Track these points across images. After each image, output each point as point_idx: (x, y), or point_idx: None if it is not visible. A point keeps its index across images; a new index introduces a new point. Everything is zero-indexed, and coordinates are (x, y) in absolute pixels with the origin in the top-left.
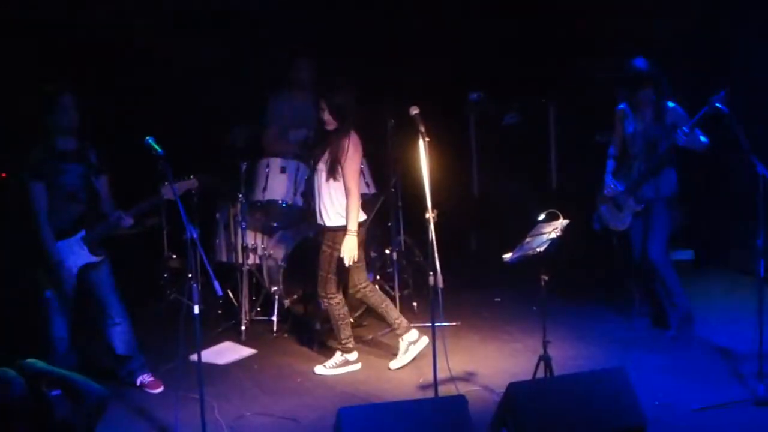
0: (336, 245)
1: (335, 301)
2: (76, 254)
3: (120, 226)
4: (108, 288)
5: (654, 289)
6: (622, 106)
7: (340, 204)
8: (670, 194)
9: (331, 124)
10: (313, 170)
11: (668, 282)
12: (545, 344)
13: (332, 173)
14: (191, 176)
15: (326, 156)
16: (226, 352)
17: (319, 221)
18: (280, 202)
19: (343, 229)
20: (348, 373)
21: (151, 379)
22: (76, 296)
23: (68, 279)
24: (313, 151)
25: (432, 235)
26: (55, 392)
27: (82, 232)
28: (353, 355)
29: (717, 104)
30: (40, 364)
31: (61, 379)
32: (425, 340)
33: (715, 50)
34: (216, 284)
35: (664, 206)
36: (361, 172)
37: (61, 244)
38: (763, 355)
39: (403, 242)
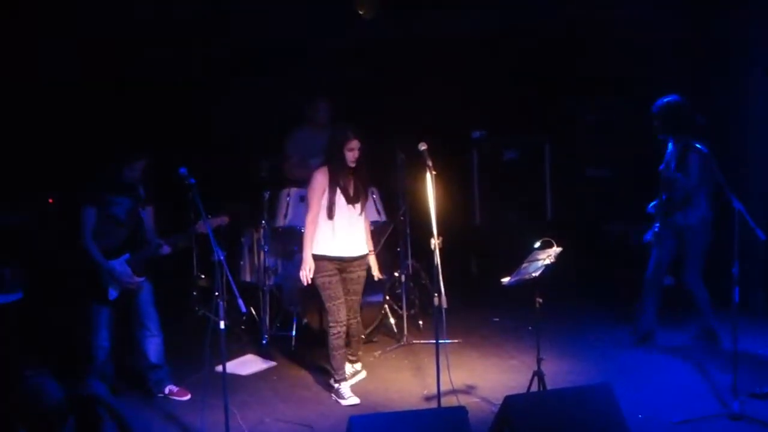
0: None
1: (358, 320)
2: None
3: (159, 253)
4: (149, 304)
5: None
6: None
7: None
8: (696, 222)
9: (357, 162)
10: (356, 208)
11: (701, 305)
12: (539, 361)
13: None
14: (222, 213)
15: (361, 191)
16: (248, 364)
17: (357, 253)
18: (299, 228)
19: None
20: (358, 383)
21: (178, 388)
22: (117, 311)
23: (123, 279)
24: (346, 191)
25: (437, 260)
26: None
27: (126, 255)
28: (359, 365)
29: (697, 145)
30: (103, 389)
31: (113, 409)
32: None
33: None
34: (240, 302)
35: (694, 233)
36: (374, 201)
37: (110, 263)
38: (737, 374)
39: (410, 266)
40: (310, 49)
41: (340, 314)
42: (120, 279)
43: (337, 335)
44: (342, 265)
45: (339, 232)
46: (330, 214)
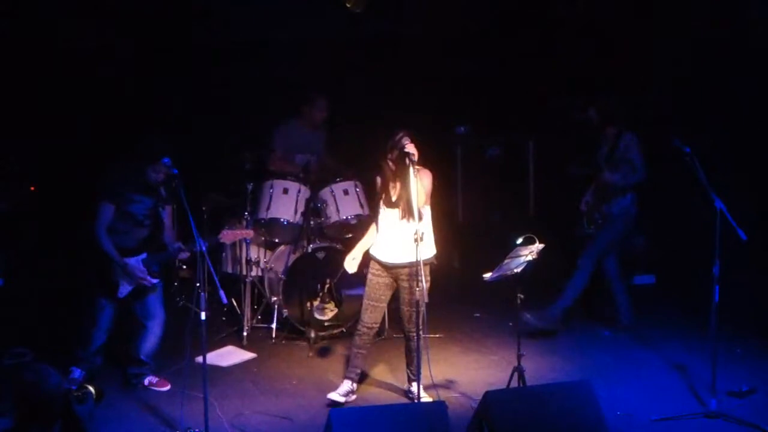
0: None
1: (419, 333)
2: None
3: (177, 257)
4: (157, 305)
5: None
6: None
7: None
8: (617, 211)
9: (404, 167)
10: (395, 213)
11: (573, 287)
12: (519, 357)
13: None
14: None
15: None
16: (228, 356)
17: (398, 260)
18: (281, 220)
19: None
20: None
21: (158, 378)
22: (122, 310)
23: (136, 275)
24: (388, 196)
25: (419, 254)
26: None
27: (144, 255)
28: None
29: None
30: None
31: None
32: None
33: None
34: (221, 293)
35: (612, 222)
36: (357, 195)
37: (124, 259)
38: (716, 373)
39: None
40: (293, 44)
41: (366, 315)
42: (133, 274)
43: (359, 333)
44: (391, 272)
45: (382, 236)
46: (375, 220)
